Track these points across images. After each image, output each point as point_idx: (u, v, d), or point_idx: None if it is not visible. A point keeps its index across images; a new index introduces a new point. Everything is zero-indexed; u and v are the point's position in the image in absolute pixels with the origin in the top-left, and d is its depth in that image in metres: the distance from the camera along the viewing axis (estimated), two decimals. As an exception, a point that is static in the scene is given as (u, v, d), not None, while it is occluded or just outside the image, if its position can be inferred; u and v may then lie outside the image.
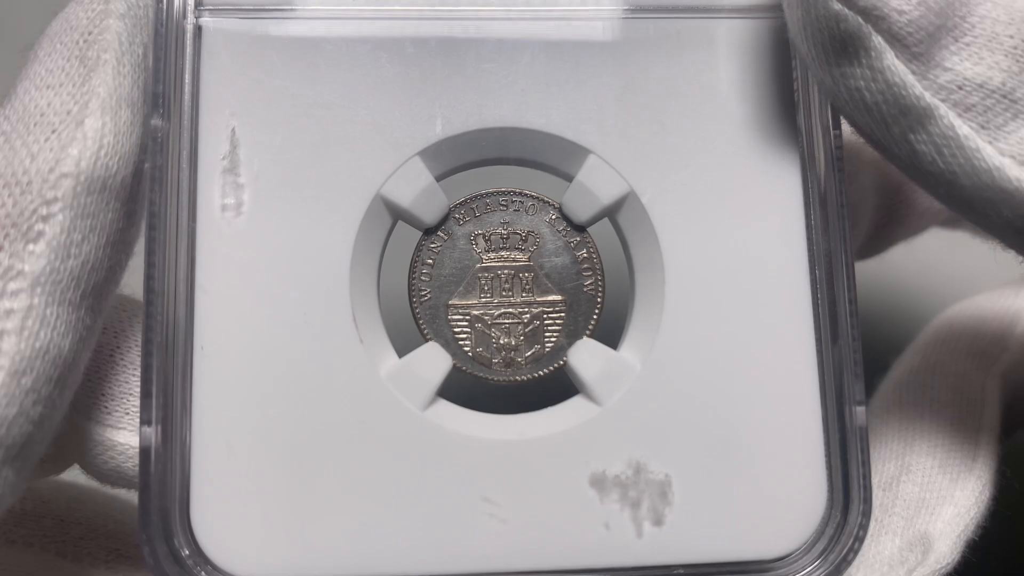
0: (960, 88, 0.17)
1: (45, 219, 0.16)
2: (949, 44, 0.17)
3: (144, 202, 0.18)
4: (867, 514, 0.19)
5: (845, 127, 0.19)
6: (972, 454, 0.21)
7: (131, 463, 0.19)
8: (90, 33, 0.18)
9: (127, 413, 0.19)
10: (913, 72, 0.17)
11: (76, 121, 0.17)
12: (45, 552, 0.20)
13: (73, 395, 0.18)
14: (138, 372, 0.19)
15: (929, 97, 0.17)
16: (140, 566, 0.20)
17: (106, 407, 0.19)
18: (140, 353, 0.18)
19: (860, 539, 0.19)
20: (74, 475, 0.20)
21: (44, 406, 0.16)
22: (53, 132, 0.17)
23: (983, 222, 0.18)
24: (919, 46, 0.17)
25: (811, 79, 0.19)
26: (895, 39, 0.17)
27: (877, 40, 0.17)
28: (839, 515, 0.19)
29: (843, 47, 0.17)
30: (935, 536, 0.20)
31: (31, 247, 0.16)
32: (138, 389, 0.19)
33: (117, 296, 0.19)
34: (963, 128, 0.17)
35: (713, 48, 0.20)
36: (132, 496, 0.18)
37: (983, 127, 0.17)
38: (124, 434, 0.19)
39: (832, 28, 0.17)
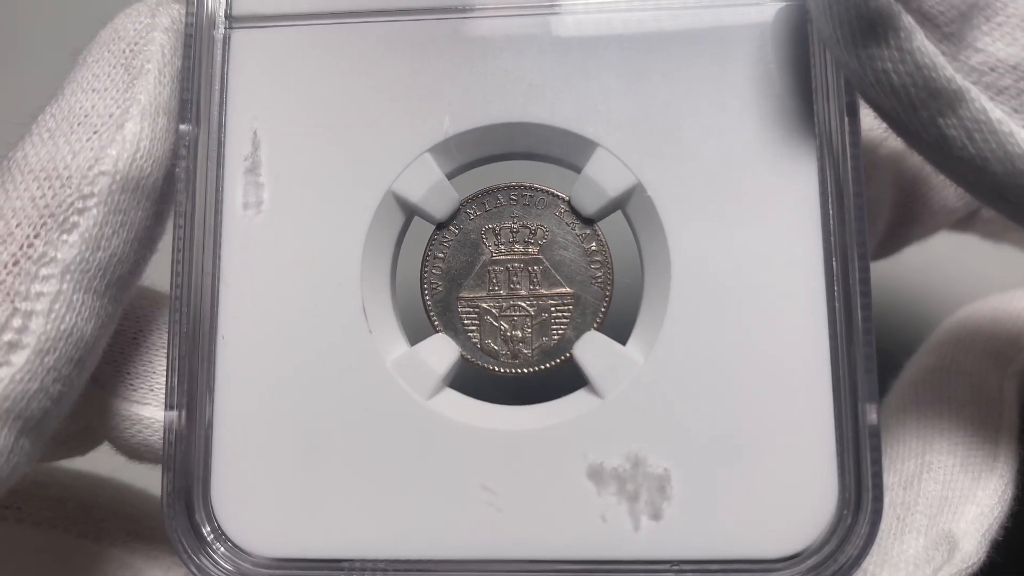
0: (992, 70, 0.17)
1: (80, 212, 0.18)
2: (981, 24, 0.17)
3: (173, 203, 0.19)
4: (878, 512, 0.18)
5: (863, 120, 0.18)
6: (993, 453, 0.20)
7: (156, 436, 0.20)
8: (136, 43, 0.19)
9: (151, 389, 0.20)
10: (944, 53, 0.16)
11: (117, 124, 0.18)
12: (68, 533, 0.22)
13: (101, 375, 0.19)
14: (160, 352, 0.20)
15: (960, 80, 0.16)
16: (155, 545, 0.22)
17: (131, 384, 0.20)
18: (161, 336, 0.20)
19: (870, 541, 0.18)
20: (94, 465, 0.22)
21: (63, 384, 0.18)
22: (95, 133, 0.18)
23: (1013, 211, 0.17)
24: (950, 26, 0.16)
25: (829, 65, 0.19)
26: (925, 19, 0.16)
27: (907, 20, 0.16)
28: (850, 516, 0.18)
29: (871, 27, 0.16)
30: (960, 535, 0.20)
31: (65, 237, 0.17)
32: (160, 367, 0.20)
33: (140, 287, 0.20)
34: (996, 112, 0.16)
35: (723, 36, 0.19)
36: (147, 483, 0.20)
37: (1016, 111, 0.17)
38: (149, 408, 0.20)
39: (860, 7, 0.16)
